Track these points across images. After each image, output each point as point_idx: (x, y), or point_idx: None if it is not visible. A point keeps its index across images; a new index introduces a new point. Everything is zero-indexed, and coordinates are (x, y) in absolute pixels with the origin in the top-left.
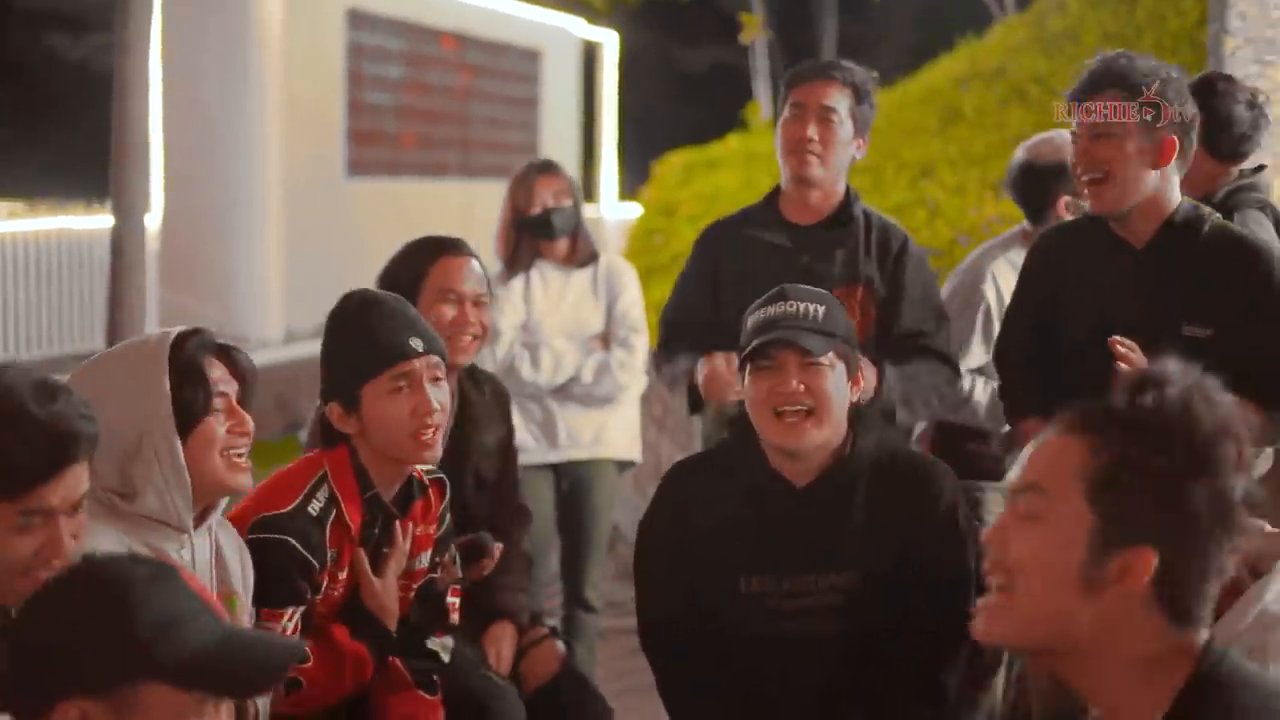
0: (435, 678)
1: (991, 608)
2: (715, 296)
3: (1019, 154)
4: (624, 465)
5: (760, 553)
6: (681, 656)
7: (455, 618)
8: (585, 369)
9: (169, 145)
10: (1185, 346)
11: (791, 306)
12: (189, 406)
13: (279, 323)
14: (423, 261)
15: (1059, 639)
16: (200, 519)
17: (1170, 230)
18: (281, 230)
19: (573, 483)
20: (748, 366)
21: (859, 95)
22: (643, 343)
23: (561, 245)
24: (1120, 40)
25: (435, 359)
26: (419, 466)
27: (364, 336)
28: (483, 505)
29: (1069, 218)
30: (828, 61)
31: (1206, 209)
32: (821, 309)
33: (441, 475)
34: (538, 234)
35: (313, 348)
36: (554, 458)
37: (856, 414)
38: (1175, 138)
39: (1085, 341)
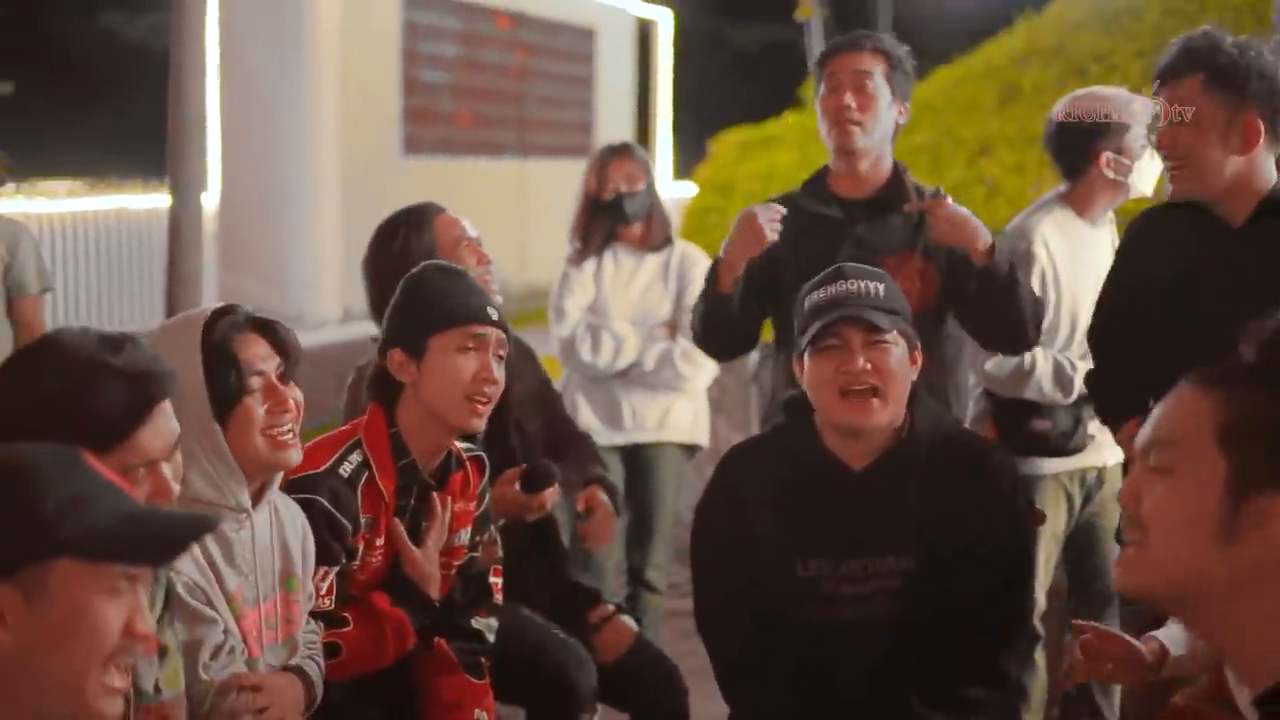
0: (482, 660)
1: (1127, 560)
2: (767, 271)
3: (1056, 109)
4: (690, 450)
5: (817, 536)
6: (738, 641)
7: (499, 597)
8: (648, 356)
9: (226, 125)
10: None
11: (852, 285)
12: (223, 390)
13: (336, 302)
14: (423, 227)
15: (1195, 589)
16: (257, 496)
17: (1269, 208)
18: (338, 209)
19: (637, 465)
20: (808, 349)
21: (892, 61)
22: None
23: (636, 229)
24: (1182, 15)
25: (502, 335)
26: (458, 443)
27: (444, 293)
28: (532, 454)
29: (1110, 175)
30: (856, 33)
31: None
32: (881, 286)
33: (481, 453)
34: (610, 218)
35: (370, 328)
36: (619, 440)
37: (913, 395)
38: (1261, 121)
39: (1182, 322)
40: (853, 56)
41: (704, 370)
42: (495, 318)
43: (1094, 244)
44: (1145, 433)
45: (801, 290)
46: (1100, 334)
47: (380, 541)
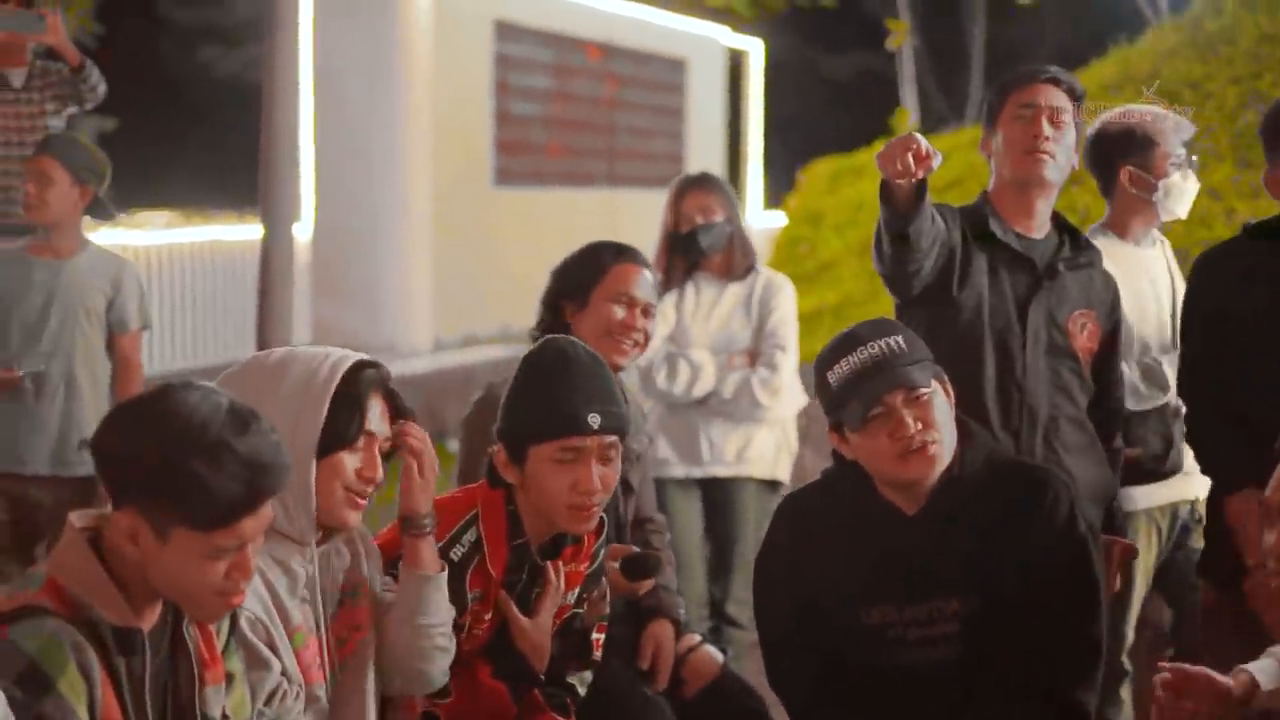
0: (569, 700)
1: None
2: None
3: (1094, 124)
4: (771, 485)
5: (878, 583)
6: (807, 690)
7: (598, 654)
8: (726, 385)
9: (320, 157)
10: None
11: (875, 349)
12: (338, 432)
13: (427, 332)
14: (603, 262)
15: None
16: (321, 539)
17: None
18: (430, 239)
19: (716, 499)
20: (850, 423)
21: (1079, 102)
22: (788, 362)
23: (716, 260)
24: (1278, 42)
25: (610, 439)
26: None
27: (545, 396)
28: (628, 511)
29: (1133, 191)
30: (1047, 68)
31: None
32: (901, 339)
33: (601, 514)
34: (687, 252)
35: (460, 357)
36: (697, 473)
37: (964, 431)
38: None
39: (1272, 356)
40: (1049, 89)
41: (784, 400)
42: (597, 426)
43: (1139, 263)
44: None
45: (819, 359)
46: (1190, 381)
47: (488, 615)
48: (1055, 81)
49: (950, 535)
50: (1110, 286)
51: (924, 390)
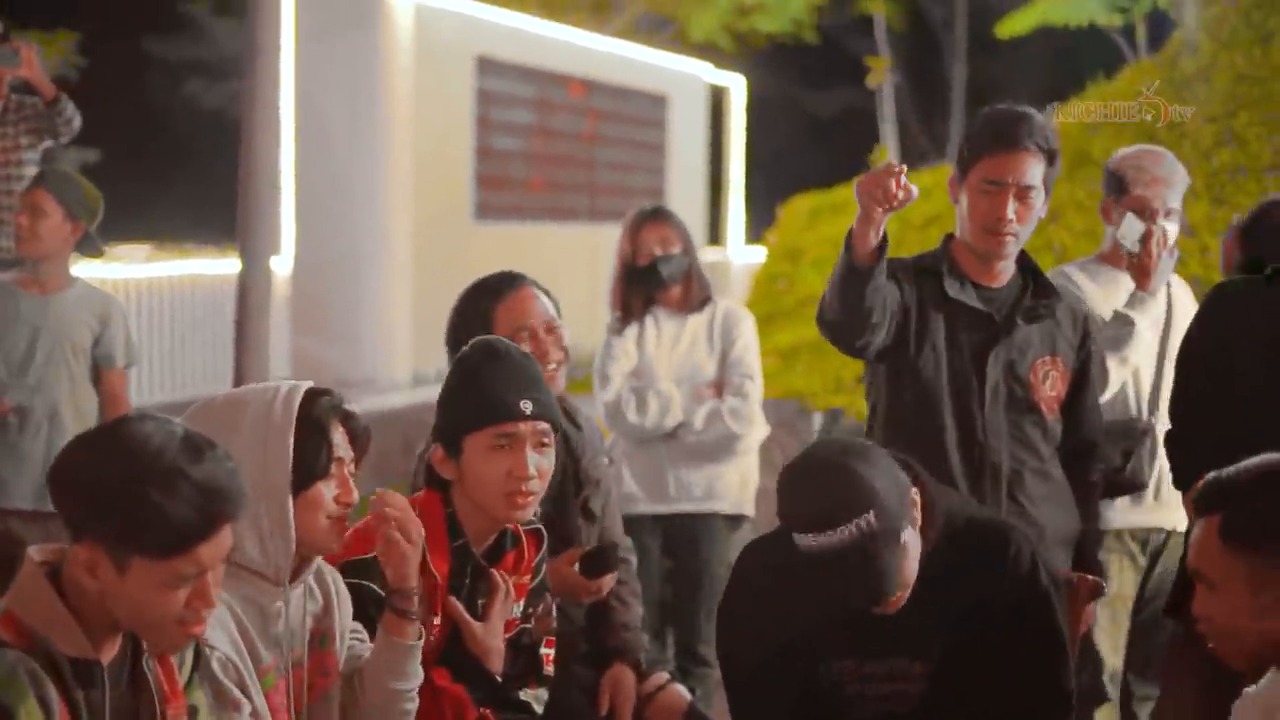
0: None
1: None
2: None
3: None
4: (736, 520)
5: (838, 639)
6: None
7: (550, 669)
8: (697, 416)
9: (300, 191)
10: None
11: (845, 533)
12: (309, 466)
13: (406, 366)
14: (486, 304)
15: None
16: (296, 572)
17: None
18: (410, 274)
19: (682, 535)
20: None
21: (1049, 157)
22: (756, 390)
23: (674, 292)
24: (1254, 81)
25: (544, 425)
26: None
27: (477, 387)
28: (590, 539)
29: (1109, 226)
30: (1020, 121)
31: None
32: (872, 516)
33: (539, 526)
34: (647, 284)
35: (439, 392)
36: (662, 509)
37: (926, 498)
38: None
39: (1261, 385)
40: (1019, 162)
41: (755, 429)
42: (529, 411)
43: (1128, 290)
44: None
45: (783, 481)
46: (1180, 404)
47: (436, 620)
48: (1026, 149)
49: (912, 595)
50: (1079, 323)
51: (894, 588)
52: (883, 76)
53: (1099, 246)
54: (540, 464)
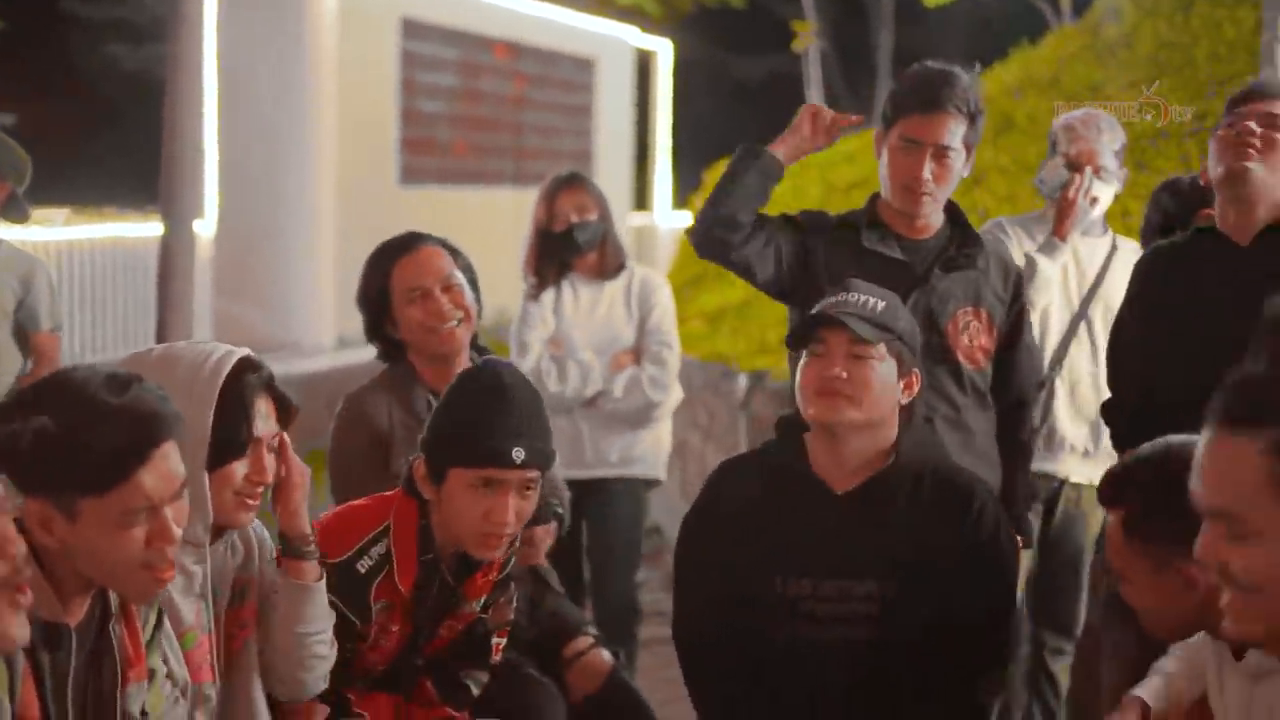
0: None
1: (1237, 610)
2: (805, 273)
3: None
4: (650, 484)
5: (798, 555)
6: (713, 655)
7: (496, 657)
8: (616, 384)
9: (223, 155)
10: None
11: (853, 296)
12: (225, 445)
13: (331, 330)
14: (381, 271)
15: None
16: (215, 535)
17: (1276, 227)
18: (335, 237)
19: (599, 499)
20: (799, 353)
21: (971, 117)
22: (674, 357)
23: (590, 258)
24: (1175, 48)
25: (532, 474)
26: None
27: (473, 423)
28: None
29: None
30: (942, 83)
31: None
32: (881, 303)
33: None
34: (563, 250)
35: (364, 355)
36: (580, 474)
37: (905, 422)
38: None
39: (1194, 345)
40: (938, 124)
41: (672, 395)
42: (520, 460)
43: (1067, 251)
44: (1203, 496)
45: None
46: (1116, 365)
47: (395, 628)
48: (945, 111)
49: (873, 520)
50: (1010, 278)
51: (869, 350)
52: (809, 41)
53: (1021, 212)
54: (521, 508)
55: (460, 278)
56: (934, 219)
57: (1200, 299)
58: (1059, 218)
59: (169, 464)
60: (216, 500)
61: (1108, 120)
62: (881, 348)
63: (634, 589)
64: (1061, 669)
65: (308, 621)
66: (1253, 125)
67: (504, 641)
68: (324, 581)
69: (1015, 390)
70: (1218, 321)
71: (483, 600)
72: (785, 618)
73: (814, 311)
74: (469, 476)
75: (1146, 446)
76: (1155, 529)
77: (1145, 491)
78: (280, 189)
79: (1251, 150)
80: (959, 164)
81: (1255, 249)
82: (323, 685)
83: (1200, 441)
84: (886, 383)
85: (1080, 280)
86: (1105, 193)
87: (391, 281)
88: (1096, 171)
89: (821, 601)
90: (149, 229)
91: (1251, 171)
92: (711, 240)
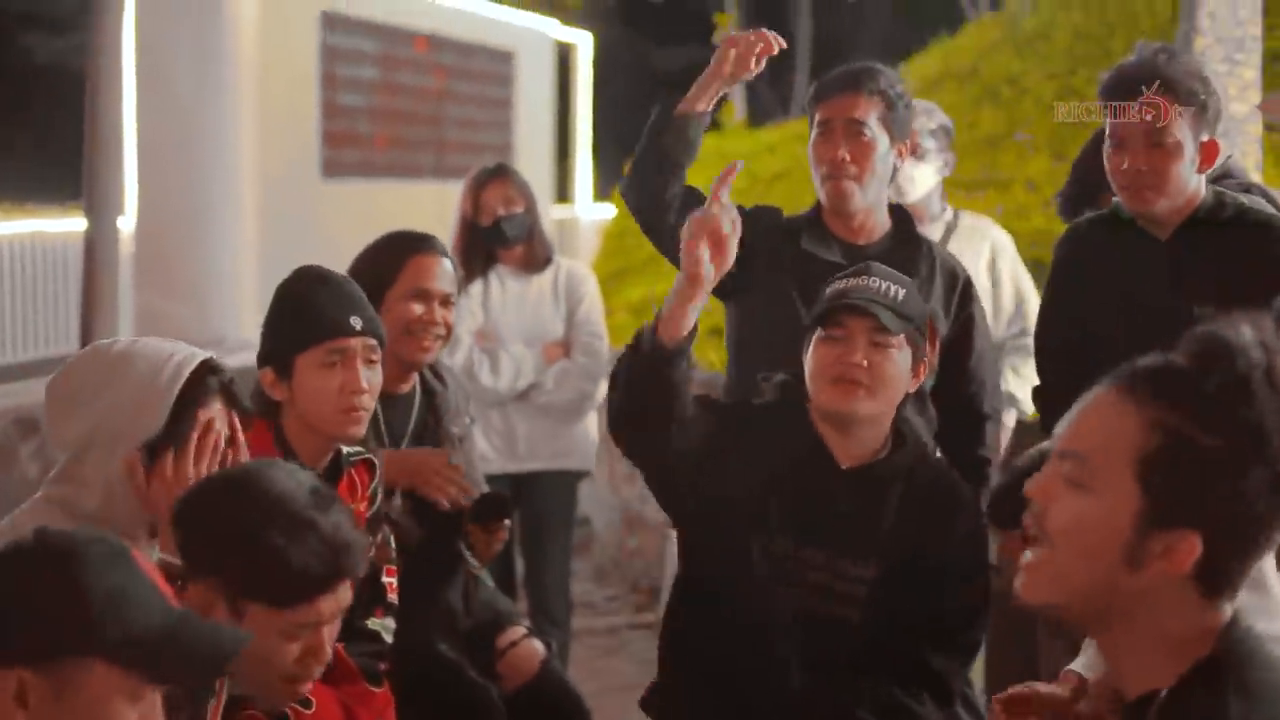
0: (381, 666)
1: (1032, 567)
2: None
3: None
4: (580, 475)
5: (785, 515)
6: (693, 588)
7: (393, 597)
8: (548, 376)
9: (143, 148)
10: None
11: (874, 282)
12: (169, 439)
13: (254, 324)
14: (397, 258)
15: (1093, 604)
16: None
17: (1195, 220)
18: (257, 232)
19: (532, 494)
20: (814, 334)
21: (890, 101)
22: (605, 349)
23: (517, 251)
24: (1092, 39)
25: (373, 341)
26: (344, 449)
27: (305, 308)
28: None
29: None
30: (858, 70)
31: (1229, 195)
32: (902, 291)
33: (370, 456)
34: (490, 243)
35: None
36: (512, 467)
37: (900, 413)
38: (1215, 140)
39: (1117, 334)
40: (847, 100)
41: (602, 387)
42: (360, 327)
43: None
44: (1064, 435)
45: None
46: (1043, 351)
47: None
48: (853, 90)
49: (871, 501)
50: (957, 286)
51: (889, 339)
52: (729, 33)
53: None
54: (371, 379)
55: (453, 302)
56: (874, 222)
57: (1122, 291)
58: None
59: (347, 594)
60: (165, 497)
61: (924, 105)
62: (901, 337)
63: (568, 581)
64: None
65: None
66: (1140, 161)
67: (395, 581)
68: None
69: (964, 400)
70: (1139, 312)
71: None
72: (764, 574)
73: (838, 295)
74: (317, 355)
75: (1023, 458)
76: None
77: None
78: (201, 183)
79: (1146, 191)
80: (881, 147)
81: (1175, 242)
82: None
83: (1085, 396)
84: (902, 373)
85: None
86: (923, 171)
87: (402, 272)
88: (914, 151)
89: (805, 567)
90: (69, 224)
91: (1154, 207)
92: (642, 215)
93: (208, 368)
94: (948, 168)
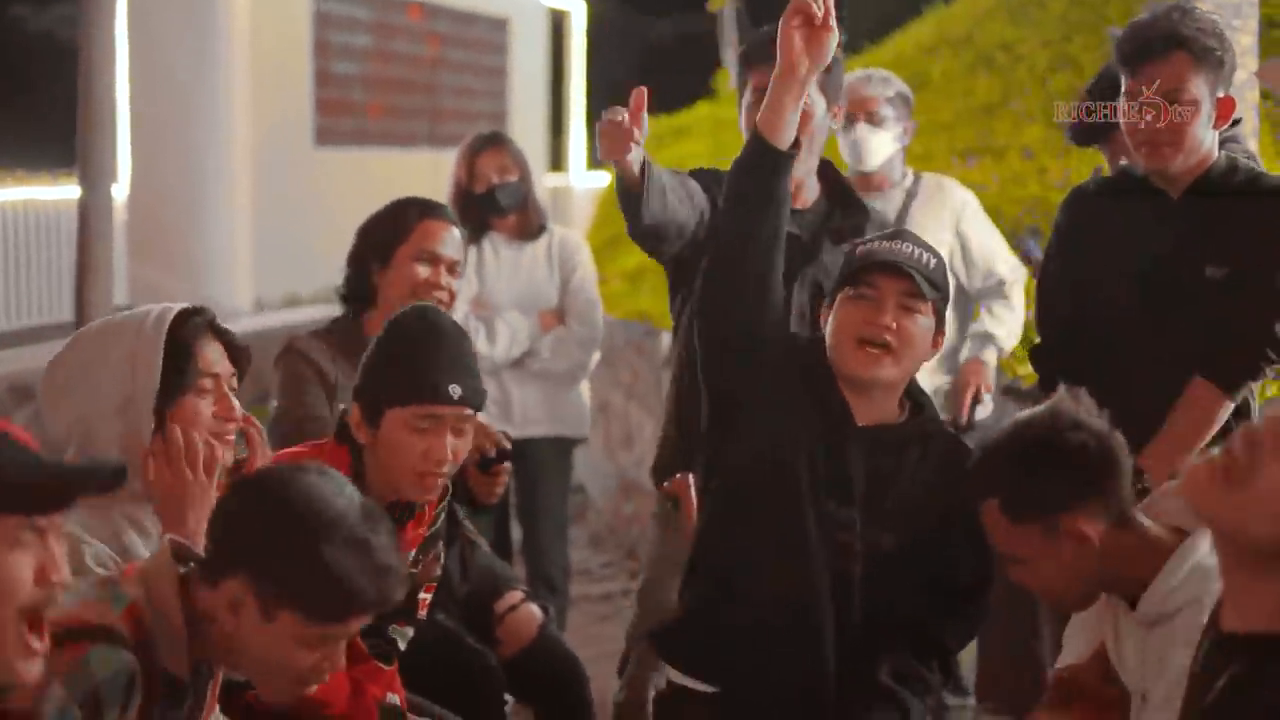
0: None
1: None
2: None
3: None
4: (575, 442)
5: (815, 470)
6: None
7: (423, 613)
8: (544, 344)
9: (136, 116)
10: (1205, 289)
11: (907, 248)
12: (175, 381)
13: (248, 293)
14: (407, 220)
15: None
16: None
17: (1207, 180)
18: (250, 200)
19: (529, 462)
20: (842, 293)
21: (828, 69)
22: (599, 317)
23: (511, 219)
24: (1088, 6)
25: (468, 411)
26: None
27: (408, 361)
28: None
29: None
30: (774, 34)
31: (1241, 161)
32: (934, 260)
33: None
34: (484, 210)
35: (282, 317)
36: (511, 434)
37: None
38: (1231, 96)
39: (1121, 294)
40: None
41: (596, 356)
42: (457, 397)
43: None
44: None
45: (852, 245)
46: (1046, 314)
47: None
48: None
49: (886, 465)
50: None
51: (917, 301)
52: (723, 3)
53: (936, 168)
54: (457, 447)
55: (459, 271)
56: (809, 186)
57: (1131, 252)
58: None
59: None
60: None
61: (880, 73)
62: (929, 304)
63: (565, 547)
64: None
65: None
66: (1156, 118)
67: (430, 597)
68: None
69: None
70: (1149, 272)
71: (412, 555)
72: (797, 526)
73: (869, 254)
74: (407, 416)
75: (995, 432)
76: (1034, 498)
77: (1013, 469)
78: (194, 151)
79: (1164, 149)
80: (817, 113)
81: (1187, 202)
82: None
83: None
84: (925, 339)
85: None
86: (881, 139)
87: (412, 234)
88: (871, 119)
89: (833, 525)
90: (61, 192)
91: (1171, 164)
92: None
93: (189, 312)
94: (907, 135)
